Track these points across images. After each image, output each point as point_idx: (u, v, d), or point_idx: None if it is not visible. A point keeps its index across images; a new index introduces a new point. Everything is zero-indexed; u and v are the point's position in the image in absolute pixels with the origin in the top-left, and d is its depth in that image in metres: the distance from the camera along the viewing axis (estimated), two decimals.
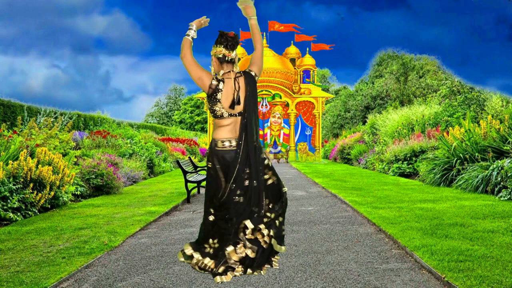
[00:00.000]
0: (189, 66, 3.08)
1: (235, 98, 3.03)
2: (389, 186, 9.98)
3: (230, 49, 3.07)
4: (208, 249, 3.08)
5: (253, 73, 3.12)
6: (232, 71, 3.09)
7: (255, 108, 3.10)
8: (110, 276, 3.82)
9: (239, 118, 3.05)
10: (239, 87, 3.05)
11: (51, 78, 60.65)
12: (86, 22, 63.52)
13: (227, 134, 3.06)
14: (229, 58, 3.07)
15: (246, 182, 3.02)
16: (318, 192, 9.64)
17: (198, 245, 3.11)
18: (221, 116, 3.05)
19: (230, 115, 3.05)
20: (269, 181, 3.09)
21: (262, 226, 3.01)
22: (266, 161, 3.11)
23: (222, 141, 3.06)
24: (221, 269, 2.99)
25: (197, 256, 3.07)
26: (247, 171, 3.02)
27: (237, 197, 3.01)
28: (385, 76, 34.57)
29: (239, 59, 3.17)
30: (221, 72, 3.08)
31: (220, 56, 3.06)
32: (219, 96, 3.01)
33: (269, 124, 25.53)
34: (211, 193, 3.11)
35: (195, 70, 3.07)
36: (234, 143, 3.05)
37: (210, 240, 3.08)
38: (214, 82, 3.03)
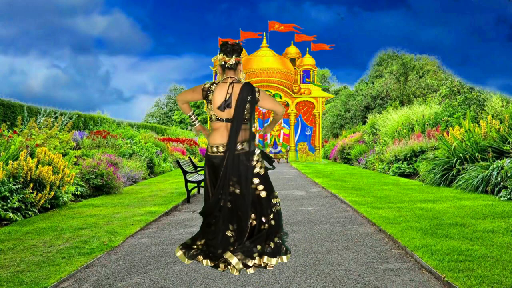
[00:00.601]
0: (184, 96, 3.27)
1: (226, 99, 3.05)
2: (389, 186, 9.98)
3: (230, 55, 3.13)
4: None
5: (256, 89, 3.14)
6: (232, 77, 3.13)
7: (244, 116, 3.09)
8: (110, 276, 3.82)
9: (228, 124, 3.08)
10: (232, 91, 3.07)
11: (51, 78, 60.65)
12: (86, 22, 63.54)
13: (217, 139, 3.11)
14: (229, 64, 3.13)
15: (232, 189, 3.05)
16: (318, 192, 9.64)
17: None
18: (210, 119, 3.13)
19: (218, 119, 3.08)
20: (258, 192, 3.15)
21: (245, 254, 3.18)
22: (256, 170, 3.13)
23: (212, 147, 3.12)
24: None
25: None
26: (234, 179, 3.06)
27: (225, 202, 3.11)
28: (385, 76, 34.58)
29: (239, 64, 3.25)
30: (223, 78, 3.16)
31: (221, 63, 3.15)
32: (210, 97, 3.07)
33: None
34: (205, 194, 3.29)
35: (188, 92, 3.26)
36: (221, 149, 3.09)
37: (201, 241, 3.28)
38: (207, 86, 3.13)
